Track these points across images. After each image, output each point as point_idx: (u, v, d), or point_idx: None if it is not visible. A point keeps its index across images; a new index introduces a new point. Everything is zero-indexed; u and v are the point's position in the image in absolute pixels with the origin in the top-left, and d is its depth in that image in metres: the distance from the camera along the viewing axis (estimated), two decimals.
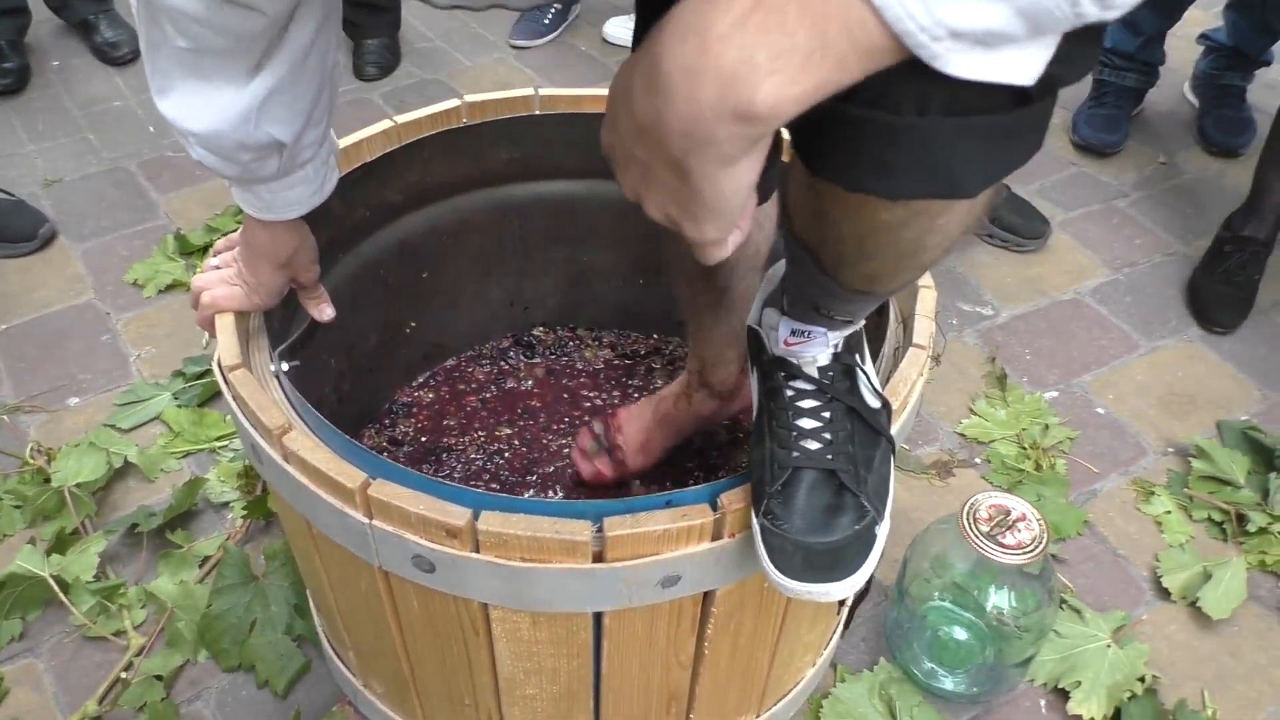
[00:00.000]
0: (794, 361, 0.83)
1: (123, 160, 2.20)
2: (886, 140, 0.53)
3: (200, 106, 0.82)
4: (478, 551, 0.82)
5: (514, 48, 2.69)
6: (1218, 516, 1.48)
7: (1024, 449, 1.57)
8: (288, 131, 0.86)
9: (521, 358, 1.58)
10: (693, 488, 0.85)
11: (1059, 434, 1.60)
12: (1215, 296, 1.85)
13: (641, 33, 0.89)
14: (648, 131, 0.50)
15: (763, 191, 1.05)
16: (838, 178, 0.57)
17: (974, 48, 0.46)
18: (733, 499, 0.83)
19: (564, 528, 0.80)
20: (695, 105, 0.47)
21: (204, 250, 1.91)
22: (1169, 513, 1.49)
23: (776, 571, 0.77)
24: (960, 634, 1.26)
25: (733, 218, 0.54)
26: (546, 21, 2.71)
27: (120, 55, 2.51)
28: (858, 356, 0.86)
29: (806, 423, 0.81)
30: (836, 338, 0.82)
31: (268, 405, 0.90)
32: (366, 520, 0.84)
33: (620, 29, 2.70)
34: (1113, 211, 2.10)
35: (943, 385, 1.69)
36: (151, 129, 2.30)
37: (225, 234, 1.90)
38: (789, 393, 0.83)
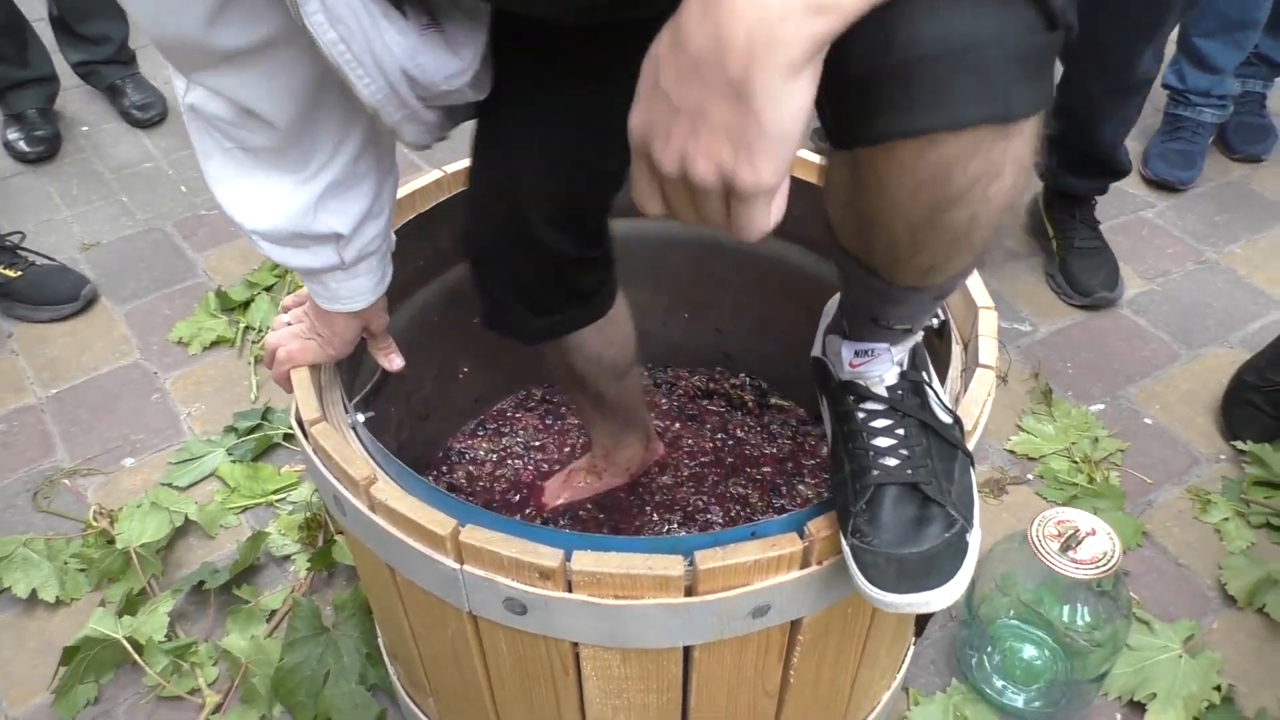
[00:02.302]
0: (862, 384, 0.85)
1: (157, 221, 2.23)
2: (941, 74, 0.54)
3: (256, 203, 0.87)
4: (570, 591, 0.83)
5: None
6: (1276, 521, 1.48)
7: (1075, 463, 1.58)
8: (345, 223, 0.90)
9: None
10: (779, 518, 0.86)
11: (1109, 446, 1.60)
12: (1252, 411, 1.64)
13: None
14: (705, 60, 0.51)
15: (605, 297, 1.13)
16: (897, 128, 0.57)
17: None
18: (819, 526, 0.84)
19: (657, 563, 0.81)
20: (760, 6, 0.48)
21: (245, 305, 1.93)
22: (1227, 520, 1.49)
23: (872, 587, 0.78)
24: (1030, 651, 1.26)
25: (790, 151, 0.53)
26: None
27: (149, 118, 2.55)
28: (924, 374, 0.87)
29: (882, 441, 0.82)
30: (900, 352, 0.84)
31: (352, 457, 0.91)
32: (458, 566, 0.85)
33: None
34: (1141, 222, 2.11)
35: None
36: (184, 189, 2.33)
37: (265, 288, 1.93)
38: (860, 415, 0.84)
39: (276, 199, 0.87)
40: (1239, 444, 1.59)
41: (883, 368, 0.85)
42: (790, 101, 0.51)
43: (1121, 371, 1.76)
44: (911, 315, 0.81)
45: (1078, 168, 1.89)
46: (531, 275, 1.05)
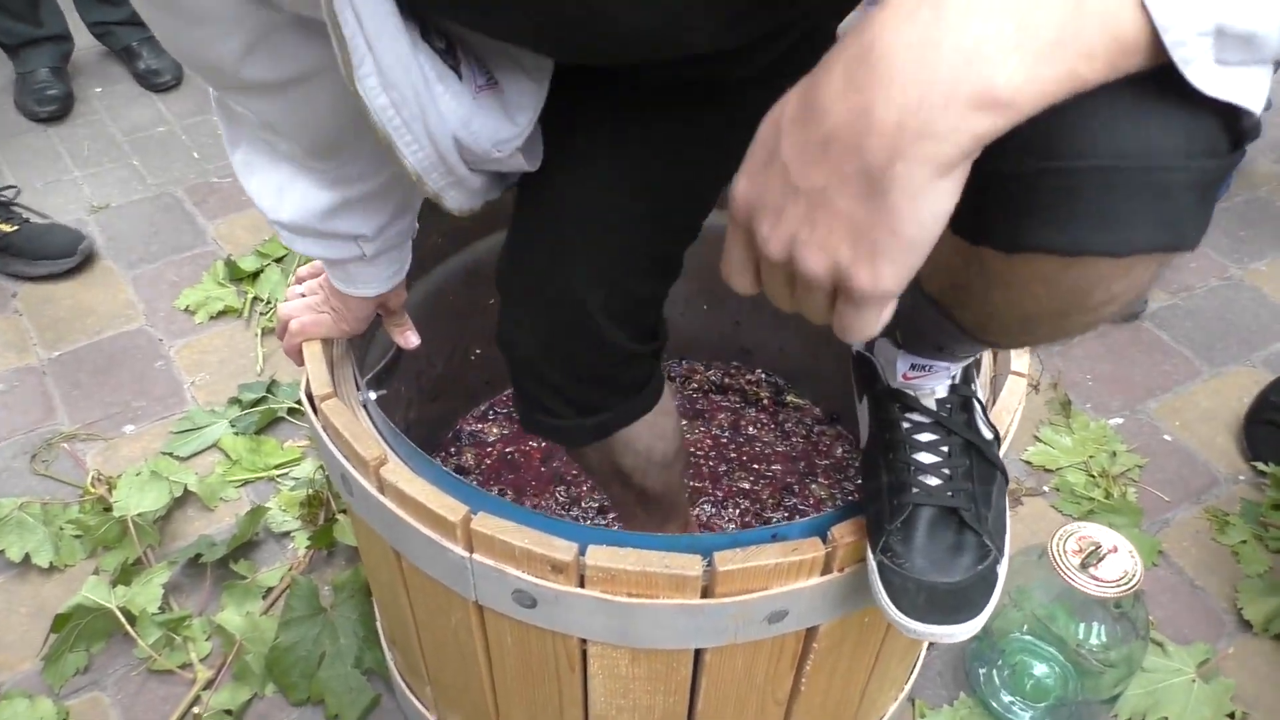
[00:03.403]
0: (912, 394, 0.81)
1: (169, 186, 2.20)
2: (1113, 189, 0.48)
3: (280, 195, 0.84)
4: (583, 586, 0.80)
5: None
6: None
7: (1093, 477, 1.55)
8: (369, 226, 0.88)
9: None
10: (801, 521, 0.83)
11: (1127, 461, 1.58)
12: (1270, 438, 1.60)
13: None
14: (839, 139, 0.44)
15: (655, 389, 1.01)
16: (1052, 241, 0.50)
17: (1225, 54, 0.42)
18: (843, 532, 0.81)
19: (674, 562, 0.78)
20: (922, 87, 0.41)
21: (254, 276, 1.90)
22: (1245, 542, 1.46)
23: (898, 611, 0.75)
24: (1040, 668, 1.24)
25: (918, 258, 0.47)
26: None
27: (163, 82, 2.52)
28: (973, 386, 0.84)
29: (925, 457, 0.79)
30: (957, 369, 0.81)
31: (362, 435, 0.88)
32: (467, 554, 0.82)
33: None
34: None
35: None
36: (196, 155, 2.30)
37: (276, 259, 1.90)
38: (905, 425, 0.81)
39: (301, 195, 0.84)
40: (1260, 465, 1.56)
41: (937, 382, 0.81)
42: (932, 205, 0.44)
43: (1142, 385, 1.73)
44: (980, 351, 0.78)
45: None
46: (582, 374, 0.94)
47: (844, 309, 0.50)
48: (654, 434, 1.02)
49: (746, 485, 1.45)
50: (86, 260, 1.95)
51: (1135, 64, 0.42)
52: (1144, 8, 0.40)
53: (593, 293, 0.88)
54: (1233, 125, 0.47)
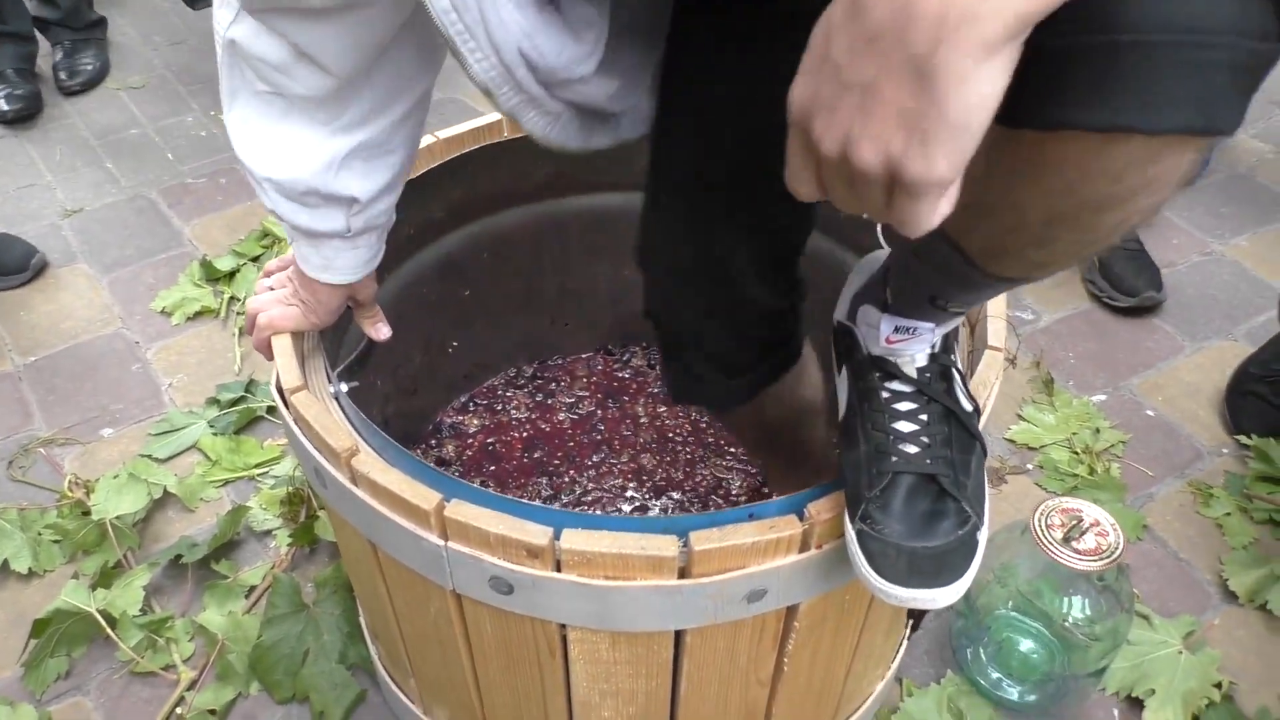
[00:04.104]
0: (893, 360, 0.81)
1: (143, 188, 2.18)
2: (1154, 65, 0.47)
3: (279, 150, 0.81)
4: (559, 571, 0.80)
5: None
6: (1279, 517, 1.45)
7: (1076, 454, 1.55)
8: (365, 189, 0.85)
9: (563, 375, 1.55)
10: (777, 499, 0.82)
11: (1111, 437, 1.58)
12: (1255, 402, 1.61)
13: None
14: (885, 32, 0.45)
15: (800, 340, 1.01)
16: (1087, 118, 0.50)
17: None
18: (820, 509, 0.81)
19: (650, 543, 0.78)
20: None
21: (231, 276, 1.88)
22: (1229, 515, 1.46)
23: (878, 577, 0.75)
24: (1027, 644, 1.23)
25: (970, 145, 0.47)
26: None
27: (66, 85, 2.49)
28: (953, 356, 0.83)
29: (904, 425, 0.79)
30: (940, 334, 0.80)
31: (333, 427, 0.87)
32: (442, 542, 0.81)
33: None
34: None
35: None
36: (170, 156, 2.28)
37: (253, 259, 1.89)
38: (885, 394, 0.81)
39: (302, 149, 0.81)
40: (1243, 438, 1.56)
41: (918, 348, 0.81)
42: (979, 88, 0.45)
43: (1124, 362, 1.73)
44: (975, 301, 0.77)
45: None
46: (729, 336, 0.95)
47: (901, 201, 0.50)
48: (799, 380, 1.04)
49: (720, 475, 1.45)
50: (41, 271, 1.93)
51: None
52: None
53: (736, 253, 0.88)
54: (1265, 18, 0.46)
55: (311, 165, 0.82)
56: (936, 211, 0.50)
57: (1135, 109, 0.49)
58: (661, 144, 0.87)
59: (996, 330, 0.98)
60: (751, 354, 0.98)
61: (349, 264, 0.93)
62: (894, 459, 0.77)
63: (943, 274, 0.70)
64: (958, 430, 0.79)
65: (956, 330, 1.02)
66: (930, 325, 0.78)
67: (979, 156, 0.52)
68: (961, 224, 0.62)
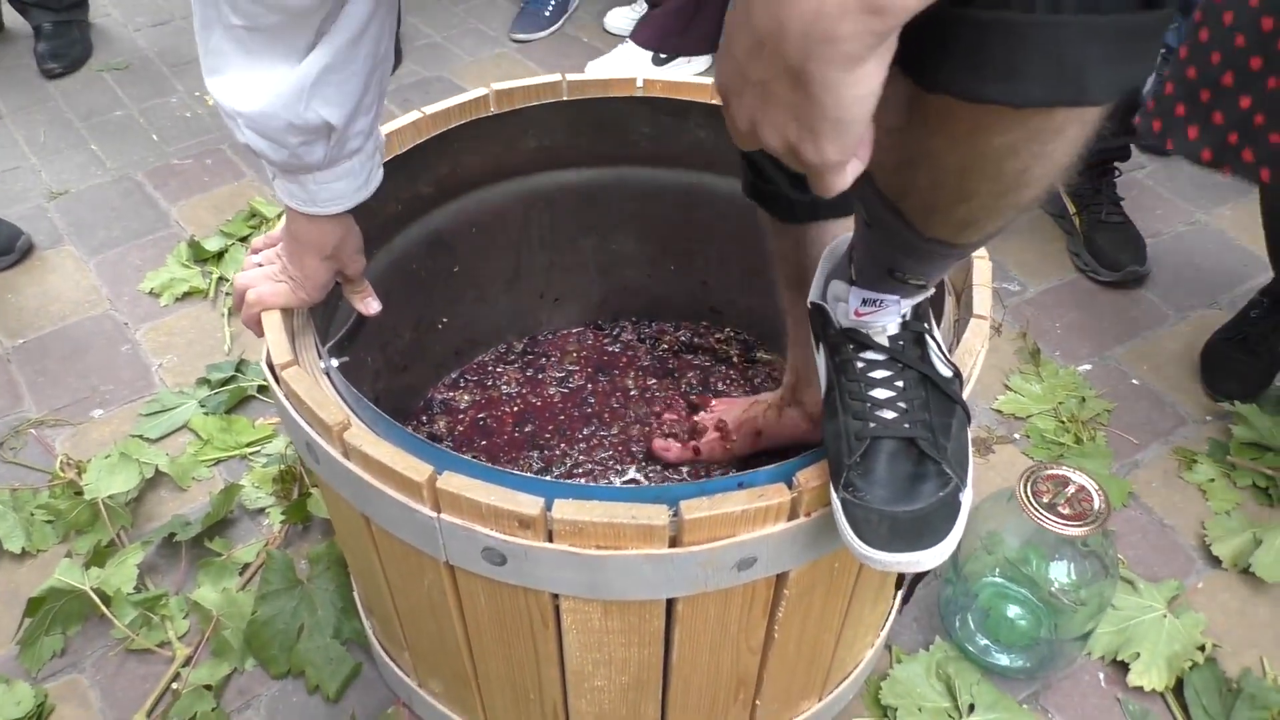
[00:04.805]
0: (864, 332, 0.82)
1: (129, 170, 2.17)
2: (1015, 41, 0.51)
3: (252, 85, 0.81)
4: (551, 541, 0.80)
5: (515, 41, 2.67)
6: (1262, 482, 1.47)
7: (1063, 423, 1.56)
8: (339, 113, 0.84)
9: (555, 354, 1.56)
10: (766, 468, 0.83)
11: (1096, 406, 1.59)
12: (1227, 362, 1.65)
13: None
14: (766, 41, 0.50)
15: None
16: (957, 87, 0.55)
17: None
18: (808, 477, 0.82)
19: (640, 512, 0.79)
20: (818, 1, 0.46)
21: (219, 257, 1.88)
22: (1213, 480, 1.48)
23: (861, 543, 0.76)
24: (1014, 610, 1.25)
25: (855, 133, 0.52)
26: (547, 14, 2.69)
27: (49, 69, 2.48)
28: (926, 324, 0.84)
29: (880, 393, 0.80)
30: (908, 305, 0.81)
31: (325, 401, 0.88)
32: (434, 514, 0.82)
33: (621, 20, 2.68)
34: (1131, 183, 2.08)
35: None
36: (155, 137, 2.27)
37: (240, 239, 1.89)
38: (860, 364, 0.82)
39: (274, 80, 0.81)
40: (1223, 401, 1.58)
41: (888, 318, 0.82)
42: (851, 91, 0.50)
43: (1109, 332, 1.74)
44: (930, 272, 0.78)
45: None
46: None
47: (808, 174, 0.56)
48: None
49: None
50: (28, 253, 1.92)
51: None
52: None
53: None
54: None
55: (284, 96, 0.81)
56: (844, 179, 0.56)
57: (997, 82, 0.53)
58: None
59: (982, 298, 0.99)
60: None
61: (333, 195, 0.93)
62: (872, 424, 0.78)
63: (892, 242, 0.72)
64: (935, 395, 0.80)
65: (942, 299, 1.03)
66: (895, 298, 0.79)
67: (899, 110, 0.58)
68: (895, 185, 0.66)
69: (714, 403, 1.40)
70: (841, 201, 0.98)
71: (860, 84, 0.49)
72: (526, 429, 1.45)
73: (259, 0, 0.75)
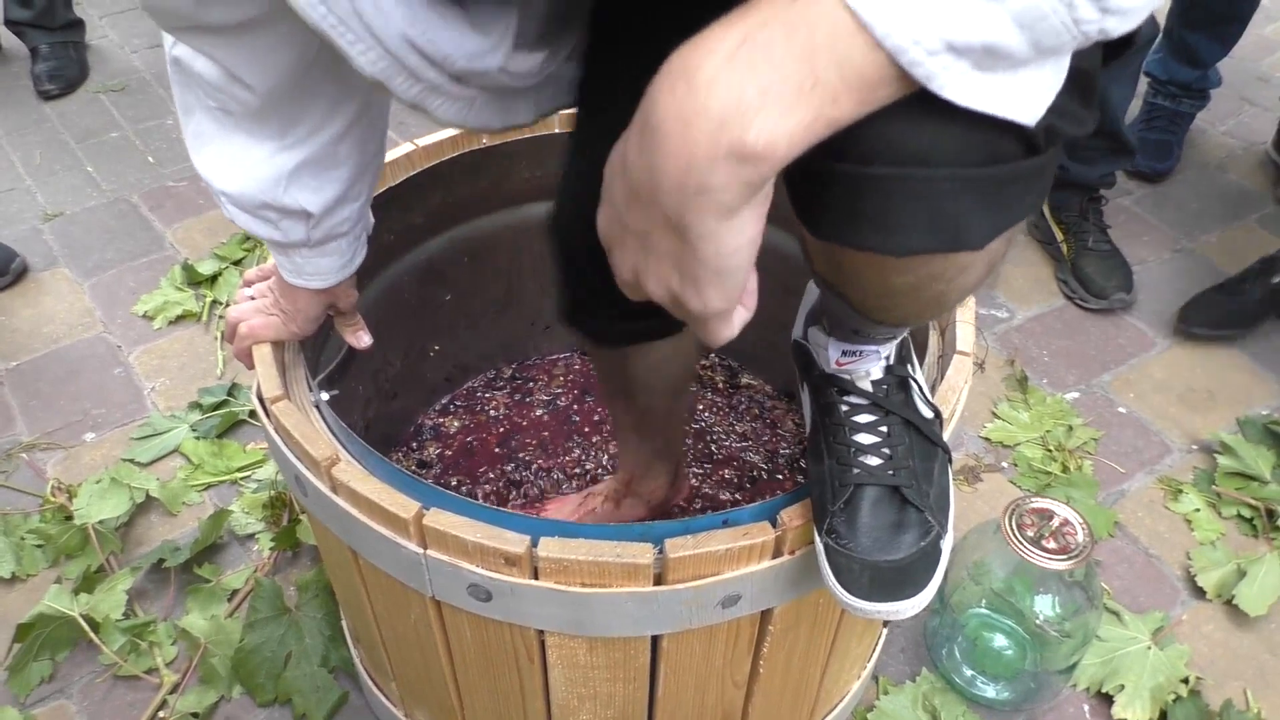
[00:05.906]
0: (847, 378, 0.83)
1: (124, 192, 2.18)
2: (886, 195, 0.51)
3: (230, 165, 0.83)
4: (536, 578, 0.81)
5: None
6: (1247, 513, 1.48)
7: (1050, 451, 1.57)
8: (316, 202, 0.87)
9: (543, 378, 1.57)
10: (750, 506, 0.84)
11: (1083, 435, 1.60)
12: (1201, 299, 1.80)
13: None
14: (642, 193, 0.49)
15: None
16: (839, 237, 0.55)
17: (974, 69, 0.45)
18: (792, 515, 0.82)
19: (625, 550, 0.79)
20: (689, 151, 0.45)
21: (213, 280, 1.89)
22: (1198, 510, 1.49)
23: (844, 592, 0.77)
24: (1000, 641, 1.26)
25: (737, 281, 0.52)
26: None
27: (45, 90, 2.49)
28: (909, 366, 0.85)
29: (864, 438, 0.81)
30: (888, 350, 0.82)
31: (314, 436, 0.89)
32: (421, 550, 0.83)
33: None
34: (1119, 210, 2.10)
35: None
36: (151, 159, 2.28)
37: (234, 262, 1.90)
38: (843, 408, 0.83)
39: (250, 164, 0.83)
40: (1196, 331, 1.75)
41: (870, 365, 0.83)
42: (729, 239, 0.49)
43: (1096, 359, 1.76)
44: (896, 334, 0.80)
45: (1085, 153, 1.88)
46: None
47: (694, 324, 0.55)
48: (674, 349, 1.06)
49: (699, 470, 1.47)
50: (22, 275, 1.93)
51: (889, 93, 0.45)
52: (874, 41, 0.43)
53: None
54: (1022, 130, 0.49)
55: (261, 181, 0.83)
56: (729, 327, 0.55)
57: (875, 234, 0.53)
58: (588, 108, 0.88)
59: (965, 335, 1.00)
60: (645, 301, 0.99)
61: (318, 270, 0.95)
62: (855, 471, 0.79)
63: (848, 316, 0.73)
64: (918, 439, 0.81)
65: (926, 334, 1.04)
66: (874, 348, 0.81)
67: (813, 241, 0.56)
68: (833, 279, 0.67)
69: (547, 504, 1.38)
70: (670, 325, 1.00)
71: (738, 233, 0.49)
72: (510, 444, 1.46)
73: (222, 91, 0.78)
